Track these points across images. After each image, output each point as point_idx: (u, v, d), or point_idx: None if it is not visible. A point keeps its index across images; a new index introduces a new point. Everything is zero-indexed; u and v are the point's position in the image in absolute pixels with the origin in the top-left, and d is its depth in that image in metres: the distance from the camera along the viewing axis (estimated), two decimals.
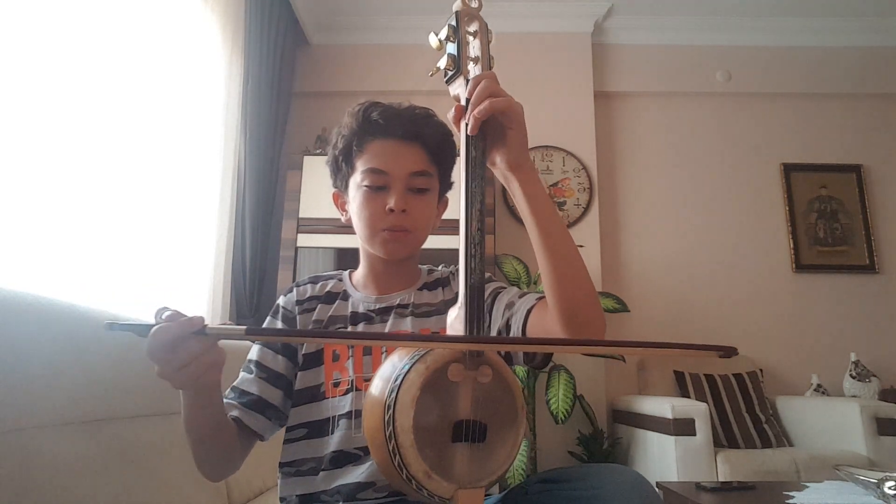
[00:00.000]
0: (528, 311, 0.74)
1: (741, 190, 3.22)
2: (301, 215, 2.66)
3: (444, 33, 0.68)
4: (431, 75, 0.73)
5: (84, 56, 1.55)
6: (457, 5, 0.68)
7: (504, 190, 3.09)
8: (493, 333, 0.79)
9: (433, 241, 0.94)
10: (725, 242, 3.15)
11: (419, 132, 0.85)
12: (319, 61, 3.26)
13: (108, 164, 1.65)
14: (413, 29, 3.26)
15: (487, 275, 0.87)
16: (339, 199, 0.92)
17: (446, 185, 0.92)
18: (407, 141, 0.84)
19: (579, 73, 3.21)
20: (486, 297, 0.82)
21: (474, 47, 0.67)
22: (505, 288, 0.85)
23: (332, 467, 0.78)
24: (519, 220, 3.03)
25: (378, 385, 0.61)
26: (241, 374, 0.88)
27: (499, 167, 0.68)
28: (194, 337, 0.55)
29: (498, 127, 0.65)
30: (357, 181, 0.85)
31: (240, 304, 2.54)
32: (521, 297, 0.80)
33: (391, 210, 0.81)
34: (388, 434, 0.57)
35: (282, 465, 0.83)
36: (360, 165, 0.85)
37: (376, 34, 3.28)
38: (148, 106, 1.84)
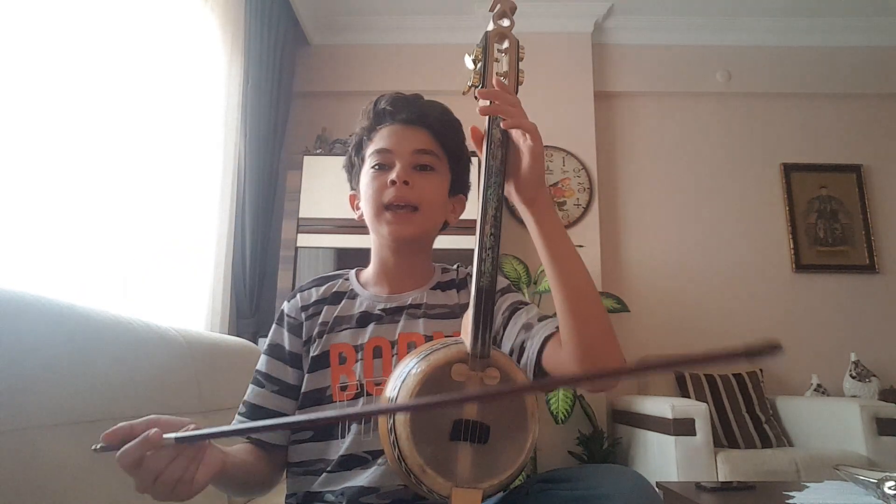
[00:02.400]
0: (545, 340, 0.72)
1: (741, 190, 3.21)
2: (301, 215, 2.66)
3: (475, 53, 0.72)
4: (464, 93, 0.76)
5: (85, 57, 1.55)
6: (489, 27, 0.72)
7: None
8: (506, 349, 0.77)
9: (448, 241, 0.95)
10: (725, 242, 3.15)
11: (424, 114, 0.86)
12: (319, 61, 3.26)
13: (108, 164, 1.65)
14: (413, 29, 3.26)
15: (507, 282, 0.87)
16: (355, 200, 0.92)
17: (460, 179, 0.91)
18: (412, 124, 0.86)
19: (579, 73, 3.20)
20: (503, 310, 0.81)
21: (503, 63, 0.71)
22: (525, 305, 0.82)
23: (340, 469, 0.76)
24: (520, 221, 3.02)
25: (389, 384, 0.64)
26: (252, 387, 0.85)
27: (514, 199, 0.68)
28: (155, 452, 0.54)
29: (513, 159, 0.66)
30: (366, 168, 0.86)
31: (240, 304, 2.54)
32: (540, 320, 0.77)
33: (393, 182, 0.81)
34: (389, 426, 0.60)
35: (290, 464, 0.82)
36: (368, 151, 0.86)
37: (376, 34, 3.28)
38: (148, 106, 1.84)
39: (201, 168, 2.16)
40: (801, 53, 3.31)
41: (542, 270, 2.65)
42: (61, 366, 0.86)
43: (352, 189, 0.93)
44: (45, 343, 0.84)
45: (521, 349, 0.75)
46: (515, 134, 0.67)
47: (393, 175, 0.81)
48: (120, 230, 1.70)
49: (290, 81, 2.99)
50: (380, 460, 0.73)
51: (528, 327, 0.76)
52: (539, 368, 0.72)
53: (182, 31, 2.04)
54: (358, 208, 0.90)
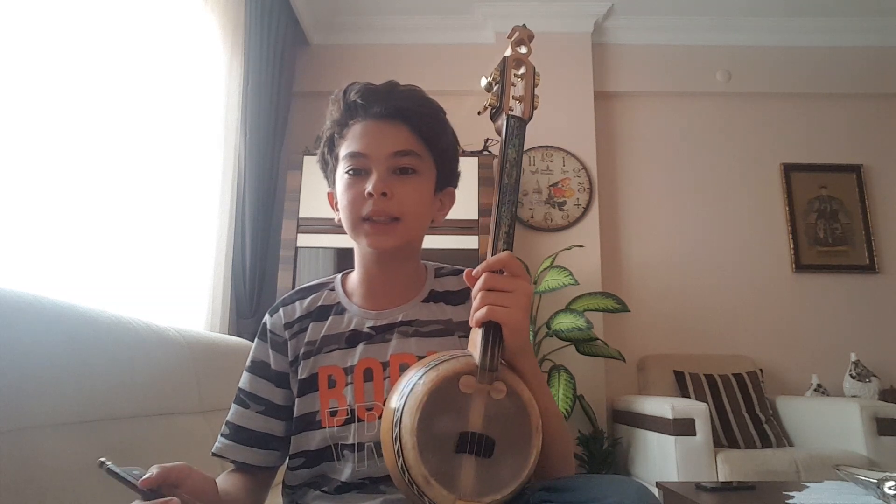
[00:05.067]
0: None
1: (741, 190, 3.22)
2: (301, 215, 2.66)
3: (492, 76, 0.72)
4: (479, 113, 0.75)
5: (85, 57, 1.55)
6: (507, 52, 0.73)
7: None
8: None
9: (447, 242, 0.91)
10: (725, 242, 3.15)
11: (401, 108, 0.77)
12: (319, 61, 3.26)
13: (108, 165, 1.65)
14: (413, 29, 3.26)
15: None
16: (333, 199, 0.85)
17: (447, 173, 0.83)
18: (388, 120, 0.76)
19: (579, 73, 3.20)
20: None
21: (519, 88, 0.71)
22: None
23: (336, 493, 0.74)
24: (521, 222, 3.03)
25: (394, 397, 0.64)
26: (235, 407, 0.81)
27: None
28: None
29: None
30: (340, 170, 0.78)
31: (240, 304, 2.54)
32: None
33: (370, 194, 0.73)
34: (394, 435, 0.59)
35: (285, 485, 0.81)
36: (342, 152, 0.78)
37: (376, 34, 3.28)
38: (148, 106, 1.84)
39: (201, 168, 2.16)
40: (801, 53, 3.31)
41: (543, 270, 2.65)
42: (61, 366, 0.86)
43: (329, 186, 0.86)
44: (45, 343, 0.84)
45: None
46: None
47: (369, 186, 0.73)
48: (120, 230, 1.70)
49: (290, 81, 2.99)
50: (382, 486, 0.72)
51: None
52: None
53: (182, 31, 2.04)
54: (337, 209, 0.83)
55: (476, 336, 0.64)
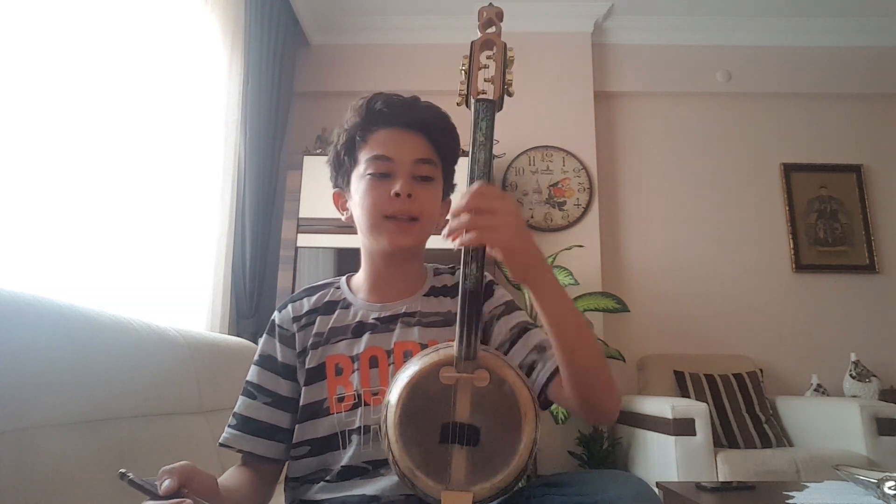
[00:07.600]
0: (554, 372, 0.74)
1: (741, 190, 3.22)
2: (301, 215, 2.66)
3: (463, 64, 0.72)
4: (459, 104, 0.74)
5: (85, 57, 1.55)
6: (476, 36, 0.73)
7: (503, 186, 3.10)
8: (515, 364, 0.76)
9: (440, 241, 0.92)
10: (725, 242, 3.15)
11: (423, 120, 0.84)
12: (319, 61, 3.26)
13: (108, 165, 1.65)
14: (413, 29, 3.26)
15: (510, 297, 0.87)
16: (340, 199, 0.90)
17: (450, 183, 0.90)
18: (411, 130, 0.84)
19: (579, 73, 3.20)
20: (512, 326, 0.81)
21: (491, 69, 0.71)
22: (535, 327, 0.82)
23: (339, 479, 0.76)
24: None
25: (387, 392, 0.66)
26: (242, 398, 0.84)
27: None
28: None
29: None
30: (360, 172, 0.83)
31: (240, 304, 2.54)
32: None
33: (397, 195, 0.79)
34: (383, 431, 0.63)
35: (288, 479, 0.82)
36: (364, 155, 0.83)
37: (376, 34, 3.28)
38: (148, 106, 1.84)
39: (201, 168, 2.16)
40: (801, 53, 3.31)
41: None
42: (61, 366, 0.86)
43: (335, 187, 0.90)
44: (45, 343, 0.84)
45: (531, 368, 0.77)
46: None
47: (397, 188, 0.79)
48: (120, 230, 1.70)
49: (290, 81, 2.99)
50: (382, 470, 0.73)
51: (540, 349, 0.78)
52: (544, 395, 0.75)
53: (182, 31, 2.04)
54: (345, 209, 0.89)
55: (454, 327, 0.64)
